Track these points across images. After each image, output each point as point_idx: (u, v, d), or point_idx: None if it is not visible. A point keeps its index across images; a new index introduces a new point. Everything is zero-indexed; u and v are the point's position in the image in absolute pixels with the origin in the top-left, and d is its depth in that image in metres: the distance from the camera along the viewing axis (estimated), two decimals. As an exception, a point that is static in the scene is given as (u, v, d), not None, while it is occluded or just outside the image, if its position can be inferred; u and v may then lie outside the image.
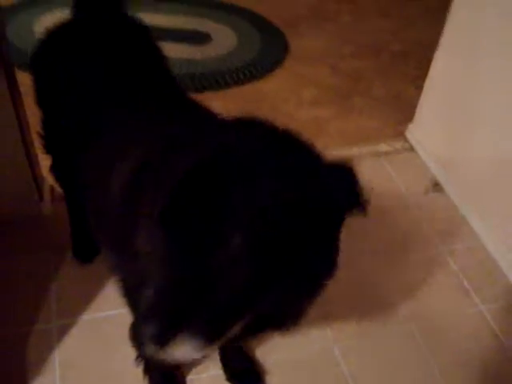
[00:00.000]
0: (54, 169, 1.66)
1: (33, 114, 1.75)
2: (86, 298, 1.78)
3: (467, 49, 2.11)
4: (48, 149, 1.61)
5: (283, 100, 2.73)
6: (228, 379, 1.61)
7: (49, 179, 2.02)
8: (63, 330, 1.69)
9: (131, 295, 1.22)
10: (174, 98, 1.36)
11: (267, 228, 0.78)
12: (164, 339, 0.75)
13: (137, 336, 1.34)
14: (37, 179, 1.92)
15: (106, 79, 1.34)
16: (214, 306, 0.76)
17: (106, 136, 1.25)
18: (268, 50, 3.10)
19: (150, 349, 0.77)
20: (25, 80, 1.69)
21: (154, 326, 0.75)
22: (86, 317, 1.73)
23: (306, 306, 1.02)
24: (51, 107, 1.48)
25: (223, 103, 2.61)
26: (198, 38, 3.14)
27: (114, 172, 1.15)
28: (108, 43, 1.41)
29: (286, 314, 1.02)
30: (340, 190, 0.90)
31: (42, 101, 1.51)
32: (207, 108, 1.33)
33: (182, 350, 0.76)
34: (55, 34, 1.47)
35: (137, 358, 1.47)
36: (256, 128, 0.94)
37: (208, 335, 0.77)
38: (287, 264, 0.82)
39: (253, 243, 0.78)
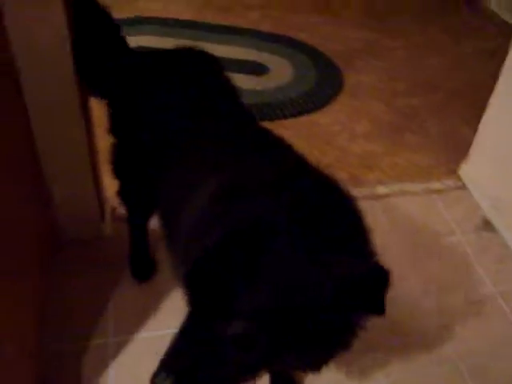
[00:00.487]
0: (121, 192, 1.74)
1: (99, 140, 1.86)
2: (142, 317, 1.83)
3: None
4: (117, 174, 1.69)
5: (337, 133, 2.78)
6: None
7: (111, 200, 2.11)
8: (119, 347, 1.75)
9: None
10: (247, 126, 1.42)
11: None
12: None
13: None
14: (101, 200, 2.01)
15: (182, 108, 1.42)
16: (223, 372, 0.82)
17: (185, 162, 1.32)
18: (323, 83, 3.16)
19: None
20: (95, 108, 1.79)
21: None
22: (142, 335, 1.79)
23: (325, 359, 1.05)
24: (126, 135, 1.56)
25: (279, 133, 2.66)
26: (257, 69, 3.24)
27: (193, 193, 1.21)
28: (184, 74, 1.49)
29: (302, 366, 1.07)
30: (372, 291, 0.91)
31: (116, 128, 1.59)
32: (280, 138, 1.38)
33: None
34: (134, 64, 1.56)
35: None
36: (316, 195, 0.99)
37: None
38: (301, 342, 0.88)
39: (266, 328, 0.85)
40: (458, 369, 1.80)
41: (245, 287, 0.84)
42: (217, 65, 1.61)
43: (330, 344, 0.96)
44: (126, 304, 1.87)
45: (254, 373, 0.90)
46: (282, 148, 1.31)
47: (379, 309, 0.91)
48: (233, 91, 1.55)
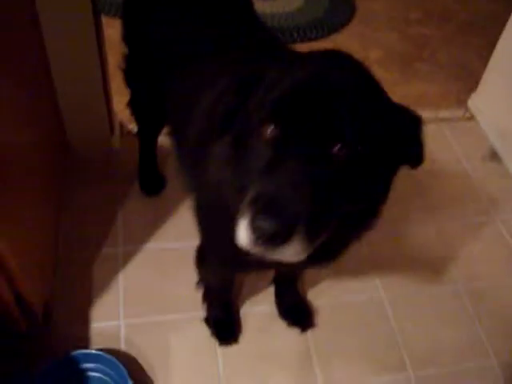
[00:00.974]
0: (132, 102, 1.74)
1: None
2: (150, 229, 1.88)
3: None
4: (128, 82, 1.68)
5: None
6: (280, 314, 1.70)
7: (119, 115, 2.11)
8: (128, 256, 1.80)
9: (203, 214, 1.29)
10: (259, 36, 1.41)
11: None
12: (277, 240, 0.78)
13: (202, 260, 1.44)
14: (110, 114, 2.01)
15: (192, 18, 1.41)
16: (315, 211, 0.81)
17: (197, 67, 1.32)
18: (335, 10, 3.10)
19: (258, 248, 0.80)
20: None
21: (269, 225, 0.77)
22: (150, 245, 1.84)
23: (355, 238, 1.09)
24: (138, 43, 1.55)
25: (288, 58, 2.64)
26: (267, -7, 3.16)
27: (202, 97, 1.21)
28: None
29: (340, 242, 1.09)
30: (411, 133, 0.94)
31: (128, 35, 1.58)
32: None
33: (290, 252, 0.80)
34: None
35: (198, 282, 1.57)
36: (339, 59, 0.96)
37: (311, 238, 0.82)
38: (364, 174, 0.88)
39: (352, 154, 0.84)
40: (457, 289, 1.85)
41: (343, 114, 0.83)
42: None
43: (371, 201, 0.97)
44: (134, 216, 1.91)
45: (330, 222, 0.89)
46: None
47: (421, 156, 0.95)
48: (247, 4, 1.54)
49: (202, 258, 1.47)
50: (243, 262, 1.23)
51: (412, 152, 0.95)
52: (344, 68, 0.91)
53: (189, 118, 1.25)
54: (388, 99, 0.94)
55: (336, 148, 0.83)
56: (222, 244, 1.19)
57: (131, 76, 1.67)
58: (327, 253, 1.12)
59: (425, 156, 0.95)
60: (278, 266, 1.35)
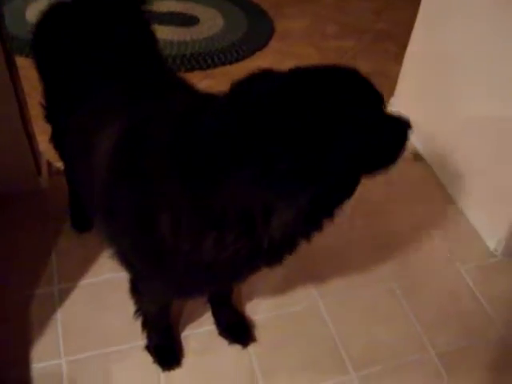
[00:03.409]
0: (53, 137, 1.74)
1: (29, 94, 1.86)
2: (84, 264, 1.88)
3: (441, 24, 2.21)
4: (49, 118, 1.70)
5: (269, 78, 2.82)
6: (220, 333, 1.72)
7: (46, 155, 2.11)
8: (64, 293, 1.79)
9: (135, 260, 1.31)
10: (160, 76, 1.45)
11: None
12: None
13: (137, 290, 1.47)
14: (35, 154, 2.02)
15: (98, 53, 1.43)
16: None
17: (93, 104, 1.35)
18: (254, 30, 3.19)
19: None
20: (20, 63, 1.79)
21: None
22: (85, 281, 1.84)
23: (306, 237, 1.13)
24: (50, 77, 1.58)
25: (211, 82, 2.71)
26: (187, 20, 3.24)
27: (98, 137, 1.24)
28: (103, 22, 1.50)
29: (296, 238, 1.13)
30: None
31: (42, 72, 1.60)
32: (191, 85, 1.43)
33: None
34: (55, 11, 1.56)
35: (136, 312, 1.58)
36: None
37: None
38: None
39: None
40: (391, 288, 1.91)
41: None
42: (139, 14, 1.62)
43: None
44: (68, 253, 1.91)
45: None
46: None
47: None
48: (151, 42, 1.59)
49: (137, 287, 1.49)
50: (184, 287, 1.29)
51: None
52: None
53: (89, 158, 1.27)
54: None
55: None
56: (164, 273, 1.23)
57: (48, 111, 1.68)
58: (278, 252, 1.15)
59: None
60: (221, 283, 1.40)
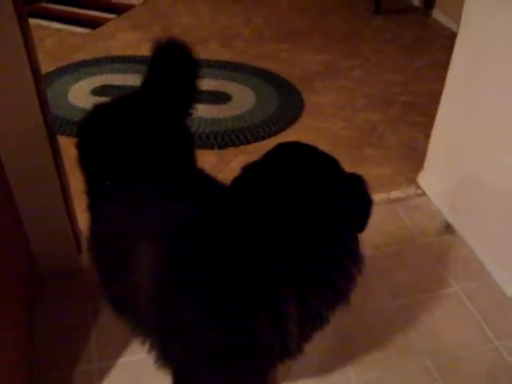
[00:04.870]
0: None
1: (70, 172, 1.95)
2: (123, 343, 1.91)
3: (467, 98, 2.27)
4: (88, 207, 1.78)
5: (300, 153, 2.89)
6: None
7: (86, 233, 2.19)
8: (103, 372, 1.83)
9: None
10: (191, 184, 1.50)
11: None
12: None
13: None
14: (76, 233, 2.10)
15: (134, 154, 1.54)
16: None
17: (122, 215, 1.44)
18: (285, 106, 3.30)
19: None
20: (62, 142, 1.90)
21: None
22: (124, 359, 1.87)
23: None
24: (90, 169, 1.67)
25: (245, 158, 2.78)
26: (220, 98, 3.37)
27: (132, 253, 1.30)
28: (143, 123, 1.60)
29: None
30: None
31: (83, 163, 1.70)
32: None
33: None
34: (101, 109, 1.69)
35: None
36: None
37: None
38: None
39: None
40: (426, 365, 1.90)
41: None
42: (178, 119, 1.73)
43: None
44: (106, 331, 1.95)
45: None
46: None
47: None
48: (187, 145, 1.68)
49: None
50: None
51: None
52: None
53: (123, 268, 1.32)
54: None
55: None
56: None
57: (88, 200, 1.76)
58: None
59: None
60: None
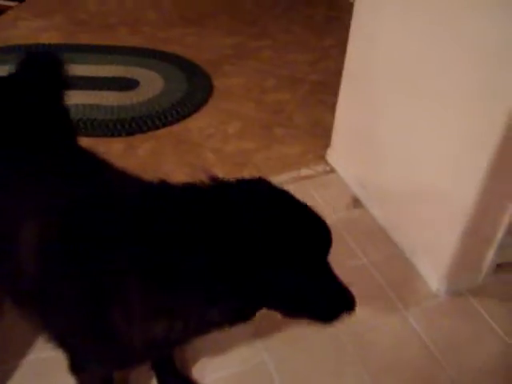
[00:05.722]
0: None
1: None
2: (28, 340, 1.85)
3: (364, 77, 2.32)
4: None
5: (210, 136, 2.89)
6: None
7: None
8: (6, 375, 1.76)
9: (75, 342, 1.32)
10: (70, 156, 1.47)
11: None
12: None
13: (76, 368, 1.47)
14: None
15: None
16: None
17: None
18: (194, 90, 3.26)
19: None
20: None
21: None
22: (26, 359, 1.81)
23: None
24: None
25: (153, 144, 2.75)
26: (127, 84, 3.29)
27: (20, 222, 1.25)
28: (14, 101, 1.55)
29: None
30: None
31: None
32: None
33: None
34: None
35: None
36: None
37: None
38: None
39: None
40: (341, 340, 1.92)
41: None
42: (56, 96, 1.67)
43: None
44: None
45: None
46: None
47: None
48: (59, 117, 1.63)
49: (77, 365, 1.48)
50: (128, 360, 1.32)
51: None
52: None
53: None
54: None
55: None
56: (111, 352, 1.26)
57: None
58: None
59: None
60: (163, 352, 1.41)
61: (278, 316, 1.83)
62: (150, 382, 1.75)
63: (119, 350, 1.25)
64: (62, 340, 1.34)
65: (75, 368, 1.48)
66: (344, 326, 1.92)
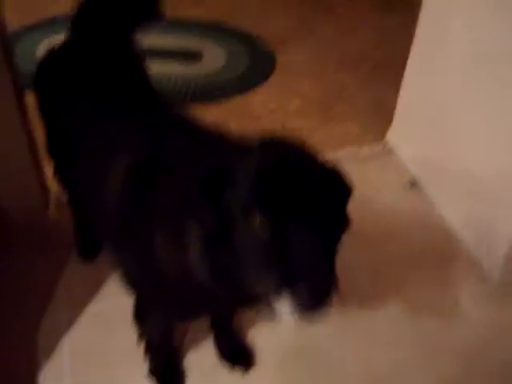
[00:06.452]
0: (56, 172, 1.83)
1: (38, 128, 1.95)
2: (91, 290, 1.95)
3: (433, 59, 2.30)
4: (52, 154, 1.79)
5: (270, 111, 2.92)
6: (221, 356, 1.78)
7: (53, 188, 2.20)
8: (71, 320, 1.86)
9: (139, 283, 1.40)
10: (155, 111, 1.51)
11: None
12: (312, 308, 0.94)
13: (140, 315, 1.54)
14: (43, 187, 2.11)
15: (95, 92, 1.54)
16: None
17: (95, 140, 1.44)
18: (255, 65, 3.30)
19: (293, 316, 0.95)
20: (29, 98, 1.89)
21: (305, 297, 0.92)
22: (92, 306, 1.91)
23: None
24: (51, 114, 1.67)
25: (214, 115, 2.80)
26: (191, 56, 3.35)
27: (107, 169, 1.32)
28: (98, 63, 1.62)
29: None
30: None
31: (43, 111, 1.71)
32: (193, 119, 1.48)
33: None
34: (54, 55, 1.70)
35: (139, 337, 1.64)
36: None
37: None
38: None
39: None
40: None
41: None
42: (132, 56, 1.75)
43: None
44: (75, 280, 1.98)
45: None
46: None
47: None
48: (144, 80, 1.68)
49: (141, 312, 1.56)
50: (185, 310, 1.39)
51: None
52: (298, 155, 1.07)
53: (102, 182, 1.34)
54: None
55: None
56: (165, 295, 1.32)
57: (50, 146, 1.77)
58: None
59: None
60: (217, 307, 1.46)
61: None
62: (207, 341, 1.83)
63: (171, 294, 1.30)
64: (129, 280, 1.42)
65: (138, 315, 1.56)
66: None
